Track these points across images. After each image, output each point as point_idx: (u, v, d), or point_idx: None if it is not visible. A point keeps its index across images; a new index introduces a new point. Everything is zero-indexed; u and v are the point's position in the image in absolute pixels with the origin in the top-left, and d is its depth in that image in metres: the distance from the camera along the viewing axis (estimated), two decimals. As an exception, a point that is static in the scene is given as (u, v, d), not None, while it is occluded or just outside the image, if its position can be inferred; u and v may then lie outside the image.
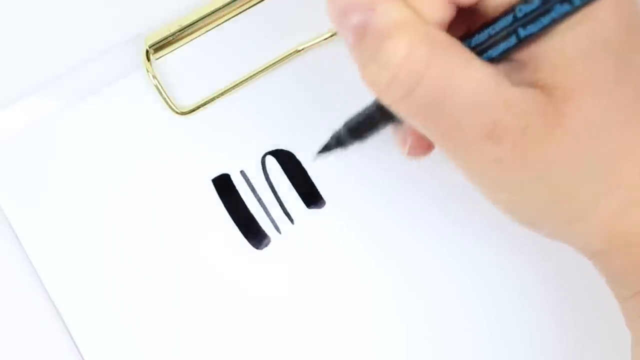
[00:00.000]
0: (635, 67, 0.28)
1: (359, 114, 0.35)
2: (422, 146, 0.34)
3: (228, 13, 0.41)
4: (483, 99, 0.27)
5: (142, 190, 0.40)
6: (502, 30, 0.27)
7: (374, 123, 0.32)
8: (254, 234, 0.40)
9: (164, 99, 0.40)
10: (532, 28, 0.26)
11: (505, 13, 0.27)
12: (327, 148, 0.37)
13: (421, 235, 0.39)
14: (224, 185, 0.40)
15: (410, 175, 0.40)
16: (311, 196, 0.40)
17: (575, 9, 0.25)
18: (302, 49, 0.41)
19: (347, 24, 0.29)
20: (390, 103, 0.29)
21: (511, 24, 0.27)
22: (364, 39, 0.28)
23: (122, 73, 0.41)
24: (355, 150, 0.40)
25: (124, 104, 0.40)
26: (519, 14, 0.26)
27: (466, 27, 0.30)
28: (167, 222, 0.39)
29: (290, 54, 0.41)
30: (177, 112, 0.40)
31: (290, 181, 0.40)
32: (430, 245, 0.39)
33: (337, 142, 0.37)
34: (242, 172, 0.40)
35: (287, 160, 0.40)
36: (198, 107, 0.40)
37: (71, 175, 0.40)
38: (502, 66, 0.28)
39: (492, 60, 0.28)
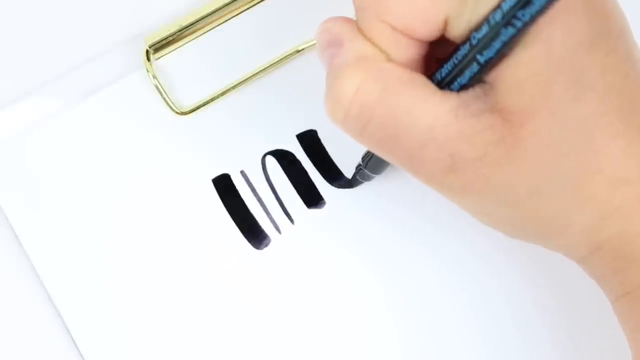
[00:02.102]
0: (593, 82, 0.28)
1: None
2: None
3: (228, 13, 0.41)
4: (439, 133, 0.28)
5: (142, 190, 0.40)
6: (463, 58, 0.28)
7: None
8: (254, 234, 0.40)
9: (164, 99, 0.40)
10: (488, 53, 0.27)
11: (464, 41, 0.28)
12: (351, 183, 0.40)
13: (421, 236, 0.39)
14: (224, 185, 0.40)
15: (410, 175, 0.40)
16: (311, 196, 0.40)
17: (519, 31, 0.26)
18: (303, 49, 0.41)
19: (324, 55, 0.30)
20: (350, 136, 0.30)
21: (469, 52, 0.27)
22: (327, 73, 0.29)
23: (122, 73, 0.41)
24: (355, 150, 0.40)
25: (124, 104, 0.40)
26: (474, 41, 0.27)
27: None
28: (167, 222, 0.39)
29: (291, 53, 0.41)
30: (177, 112, 0.40)
31: (290, 181, 0.40)
32: (430, 245, 0.39)
33: (359, 176, 0.39)
34: (242, 172, 0.40)
35: (287, 160, 0.40)
36: (198, 107, 0.40)
37: (71, 175, 0.40)
38: (475, 89, 0.28)
39: (465, 86, 0.28)
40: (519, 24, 0.26)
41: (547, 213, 0.29)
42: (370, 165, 0.38)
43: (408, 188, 0.40)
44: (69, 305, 0.39)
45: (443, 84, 0.29)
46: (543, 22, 0.26)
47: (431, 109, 0.28)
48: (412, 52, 0.29)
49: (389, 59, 0.29)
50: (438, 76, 0.29)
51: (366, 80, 0.28)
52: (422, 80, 0.29)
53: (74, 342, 0.38)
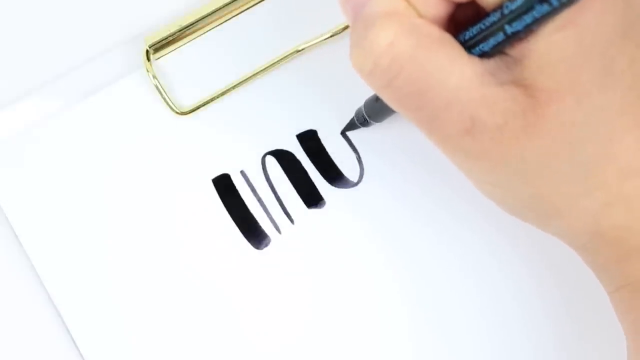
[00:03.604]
0: (621, 73, 0.28)
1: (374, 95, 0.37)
2: None
3: (228, 13, 0.41)
4: (464, 95, 0.28)
5: (142, 190, 0.40)
6: (491, 25, 0.28)
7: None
8: (254, 234, 0.40)
9: (164, 99, 0.40)
10: (517, 25, 0.27)
11: (495, 9, 0.28)
12: (350, 126, 0.40)
13: (422, 235, 0.39)
14: (224, 185, 0.40)
15: (410, 174, 0.40)
16: (311, 196, 0.40)
17: (554, 10, 0.26)
18: (303, 49, 0.41)
19: (348, 5, 0.30)
20: (374, 89, 0.30)
21: (499, 20, 0.28)
22: (356, 22, 0.29)
23: (122, 73, 0.41)
24: (354, 151, 0.40)
25: (124, 104, 0.40)
26: (506, 11, 0.27)
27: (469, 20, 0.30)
28: (167, 222, 0.39)
29: (291, 53, 0.41)
30: (177, 112, 0.40)
31: (290, 181, 0.40)
32: (431, 244, 0.39)
33: (358, 120, 0.40)
34: (242, 172, 0.40)
35: (287, 160, 0.40)
36: (198, 107, 0.40)
37: (71, 175, 0.40)
38: (496, 60, 0.29)
39: (485, 54, 0.29)
40: (555, 2, 0.26)
41: (556, 192, 0.29)
42: (373, 112, 0.38)
43: (408, 188, 0.40)
44: (69, 305, 0.39)
45: (465, 47, 0.29)
46: (580, 6, 0.26)
47: (458, 69, 0.28)
48: (440, 10, 0.29)
49: (420, 15, 0.29)
50: (461, 38, 0.29)
51: (400, 33, 0.28)
52: (451, 39, 0.29)
53: (74, 342, 0.38)
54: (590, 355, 0.38)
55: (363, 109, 0.39)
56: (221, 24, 0.41)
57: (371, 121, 0.39)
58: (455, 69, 0.28)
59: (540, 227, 0.32)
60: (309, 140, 0.41)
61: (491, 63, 0.28)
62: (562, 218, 0.30)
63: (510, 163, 0.29)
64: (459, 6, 0.30)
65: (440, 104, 0.28)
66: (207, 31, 0.41)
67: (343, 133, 0.40)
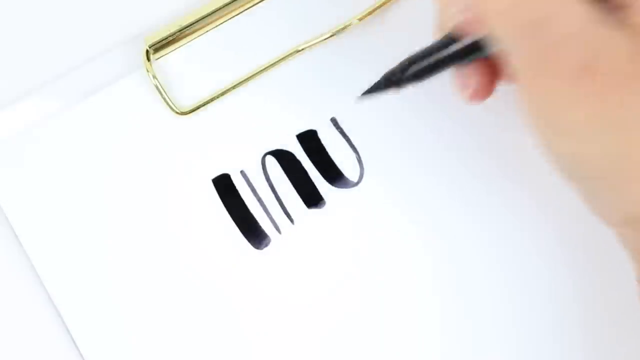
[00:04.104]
0: None
1: (421, 52, 0.34)
2: (483, 91, 0.34)
3: (228, 13, 0.41)
4: (582, 33, 0.28)
5: (142, 191, 0.40)
6: None
7: (437, 63, 0.32)
8: (254, 234, 0.40)
9: (164, 99, 0.40)
10: None
11: None
12: (375, 88, 0.36)
13: (422, 235, 0.39)
14: (224, 185, 0.40)
15: (410, 174, 0.40)
16: (311, 196, 0.40)
17: None
18: (303, 49, 0.41)
19: None
20: (492, 15, 0.29)
21: None
22: None
23: (122, 73, 0.41)
24: (354, 151, 0.40)
25: (124, 104, 0.40)
26: None
27: None
28: (168, 222, 0.39)
29: (291, 53, 0.41)
30: (177, 112, 0.40)
31: (290, 181, 0.40)
32: (431, 244, 0.39)
33: (390, 81, 0.35)
34: (242, 172, 0.40)
35: (287, 160, 0.40)
36: (198, 107, 0.40)
37: (71, 175, 0.40)
38: (601, 5, 0.28)
39: None
40: None
41: None
42: (415, 71, 0.34)
43: (408, 188, 0.40)
44: (69, 305, 0.39)
45: None
46: None
47: (579, 7, 0.28)
48: None
49: None
50: None
51: None
52: None
53: (74, 342, 0.38)
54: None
55: (399, 69, 0.35)
56: (221, 24, 0.41)
57: (404, 84, 0.35)
58: (575, 5, 0.28)
59: (609, 195, 0.30)
60: (309, 140, 0.41)
61: (599, 7, 0.28)
62: (638, 182, 0.29)
63: (612, 110, 0.28)
64: None
65: (559, 38, 0.28)
66: (207, 31, 0.41)
67: (364, 95, 0.36)
